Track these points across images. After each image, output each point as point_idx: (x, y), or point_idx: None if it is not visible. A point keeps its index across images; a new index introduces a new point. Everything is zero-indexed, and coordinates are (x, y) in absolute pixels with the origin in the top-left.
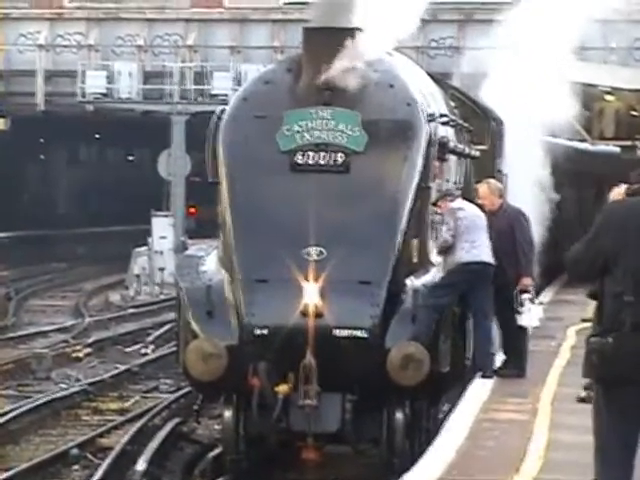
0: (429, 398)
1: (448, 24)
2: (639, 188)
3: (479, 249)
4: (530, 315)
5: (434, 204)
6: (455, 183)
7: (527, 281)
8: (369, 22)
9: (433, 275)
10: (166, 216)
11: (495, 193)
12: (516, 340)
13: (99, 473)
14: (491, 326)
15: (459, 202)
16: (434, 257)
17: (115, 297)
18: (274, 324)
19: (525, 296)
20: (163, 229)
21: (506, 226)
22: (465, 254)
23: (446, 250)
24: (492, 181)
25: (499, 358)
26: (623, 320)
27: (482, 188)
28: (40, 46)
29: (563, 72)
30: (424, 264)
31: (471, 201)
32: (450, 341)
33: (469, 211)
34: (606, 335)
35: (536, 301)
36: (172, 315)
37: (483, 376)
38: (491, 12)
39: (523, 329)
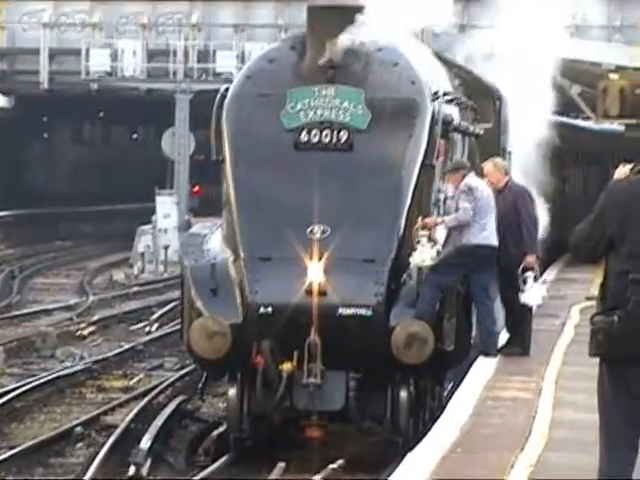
0: (433, 376)
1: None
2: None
3: (488, 231)
4: (533, 293)
5: (444, 174)
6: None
7: (531, 259)
8: (374, 1)
9: (438, 253)
10: (170, 194)
11: (501, 171)
12: (520, 319)
13: (103, 451)
14: (494, 306)
15: (473, 179)
16: (439, 234)
17: (119, 275)
18: (278, 302)
19: (529, 274)
20: (167, 207)
21: (511, 204)
22: (474, 236)
23: (457, 227)
24: (498, 159)
25: (503, 337)
26: (628, 298)
27: (487, 166)
28: (44, 25)
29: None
30: (428, 241)
31: None
32: (454, 320)
33: (485, 191)
34: (611, 313)
35: (540, 279)
36: (176, 293)
37: (487, 355)
38: None
39: (527, 308)
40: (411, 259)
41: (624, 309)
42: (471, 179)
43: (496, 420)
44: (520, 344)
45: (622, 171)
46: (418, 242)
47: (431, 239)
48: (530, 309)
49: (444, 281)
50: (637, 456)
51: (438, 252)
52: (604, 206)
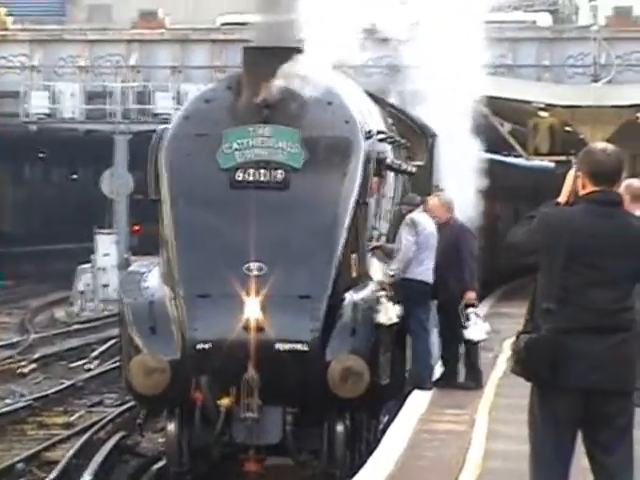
0: (369, 410)
1: (386, 43)
2: (577, 200)
3: (424, 267)
4: (477, 329)
5: (399, 204)
6: (393, 198)
7: (472, 295)
8: (308, 42)
9: (372, 289)
10: (109, 233)
11: (445, 207)
12: (468, 354)
13: None
14: (429, 339)
15: (418, 214)
16: (372, 271)
17: (60, 314)
18: (216, 338)
19: (471, 310)
20: (107, 246)
21: (453, 240)
22: (410, 271)
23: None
24: (443, 195)
25: (437, 370)
26: (540, 326)
27: (432, 201)
28: None
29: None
30: (363, 278)
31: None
32: (389, 354)
33: (427, 228)
34: (524, 337)
35: (481, 315)
36: (116, 331)
37: (422, 388)
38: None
39: (473, 343)
40: (377, 319)
41: (535, 335)
42: (415, 214)
43: (430, 453)
44: (473, 378)
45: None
46: (379, 303)
47: (390, 298)
48: (476, 344)
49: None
50: None
51: (399, 307)
52: (540, 228)
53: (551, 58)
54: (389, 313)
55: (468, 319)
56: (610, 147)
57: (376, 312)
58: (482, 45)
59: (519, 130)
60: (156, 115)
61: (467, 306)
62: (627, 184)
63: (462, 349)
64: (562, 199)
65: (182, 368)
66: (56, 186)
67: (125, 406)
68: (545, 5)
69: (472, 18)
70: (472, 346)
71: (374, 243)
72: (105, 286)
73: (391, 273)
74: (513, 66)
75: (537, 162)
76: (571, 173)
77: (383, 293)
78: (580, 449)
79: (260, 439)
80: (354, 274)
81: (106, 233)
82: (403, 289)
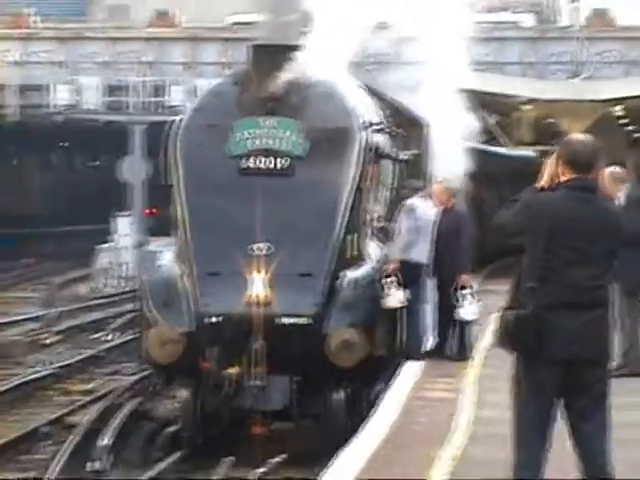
0: (365, 379)
1: (381, 41)
2: (557, 186)
3: (419, 249)
4: (469, 309)
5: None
6: (389, 184)
7: (466, 278)
8: (310, 38)
9: (369, 267)
10: (127, 216)
11: (449, 192)
12: (461, 330)
13: (67, 448)
14: (422, 313)
15: (417, 199)
16: (370, 250)
17: (81, 289)
18: (226, 312)
19: (465, 292)
20: (125, 227)
21: (454, 225)
22: (405, 251)
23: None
24: (447, 181)
25: (431, 342)
26: (526, 302)
27: (437, 186)
28: (13, 63)
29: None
30: (360, 257)
31: None
32: (384, 327)
33: (425, 213)
34: (510, 312)
35: (476, 296)
36: (133, 305)
37: (414, 358)
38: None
39: (466, 321)
40: (384, 303)
41: (521, 310)
42: (414, 199)
43: (423, 418)
44: (461, 352)
45: (551, 162)
46: (388, 288)
47: (399, 283)
48: (468, 322)
49: (375, 293)
50: (547, 452)
51: (405, 291)
52: (523, 212)
53: (534, 56)
54: (399, 297)
55: (464, 299)
56: (587, 138)
57: (384, 296)
58: (470, 43)
59: (504, 122)
60: (170, 107)
61: (463, 287)
62: (610, 170)
63: (455, 326)
64: (544, 184)
65: (195, 339)
66: (79, 172)
67: (142, 374)
68: (528, 6)
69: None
70: (465, 324)
71: (374, 225)
72: (123, 264)
73: (395, 258)
74: (499, 63)
75: (520, 151)
76: (552, 159)
77: (392, 279)
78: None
79: (266, 405)
80: (353, 253)
81: (124, 215)
82: (407, 274)
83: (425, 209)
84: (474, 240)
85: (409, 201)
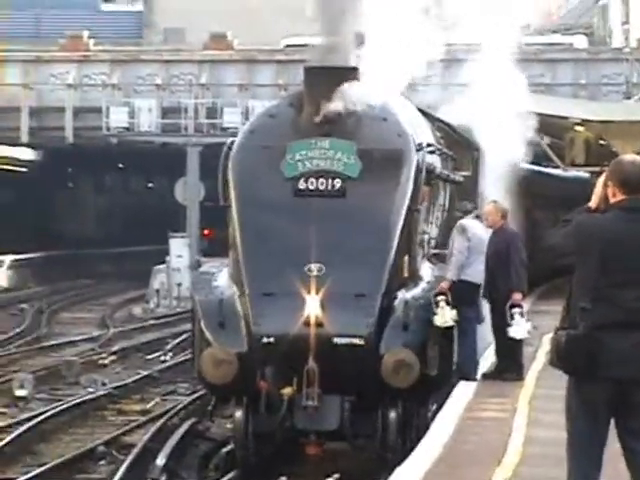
0: (419, 399)
1: (435, 63)
2: (608, 207)
3: (473, 269)
4: (519, 328)
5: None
6: (442, 205)
7: (518, 296)
8: (365, 60)
9: (422, 288)
10: (182, 237)
11: (499, 213)
12: (512, 349)
13: (123, 468)
14: (475, 334)
15: (468, 220)
16: (423, 271)
17: (137, 310)
18: (280, 333)
19: (515, 310)
20: (180, 249)
21: (503, 246)
22: (461, 272)
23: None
24: (498, 201)
25: (487, 363)
26: (578, 323)
27: (488, 207)
28: (69, 85)
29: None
30: (413, 278)
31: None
32: (438, 347)
33: (477, 233)
34: (562, 333)
35: (525, 315)
36: (188, 326)
37: (467, 379)
38: (472, 52)
39: (517, 340)
40: (434, 321)
41: (573, 331)
42: (466, 220)
43: (475, 438)
44: (515, 370)
45: (600, 181)
46: (437, 306)
47: (448, 302)
48: (520, 341)
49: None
50: (600, 473)
51: (457, 311)
52: (575, 233)
53: (587, 77)
54: (445, 316)
55: (513, 318)
56: (638, 158)
57: (433, 314)
58: (523, 65)
59: (557, 143)
60: (225, 129)
61: (513, 306)
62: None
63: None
64: (593, 204)
65: (248, 360)
66: (134, 194)
67: (196, 394)
68: (581, 28)
69: (513, 41)
70: (515, 343)
71: (427, 246)
72: (178, 285)
73: (448, 278)
74: (551, 85)
75: (573, 172)
76: (600, 180)
77: (442, 297)
78: (613, 435)
79: (320, 425)
80: (406, 274)
81: (179, 237)
82: (454, 289)
83: (477, 229)
84: (526, 261)
85: (461, 222)
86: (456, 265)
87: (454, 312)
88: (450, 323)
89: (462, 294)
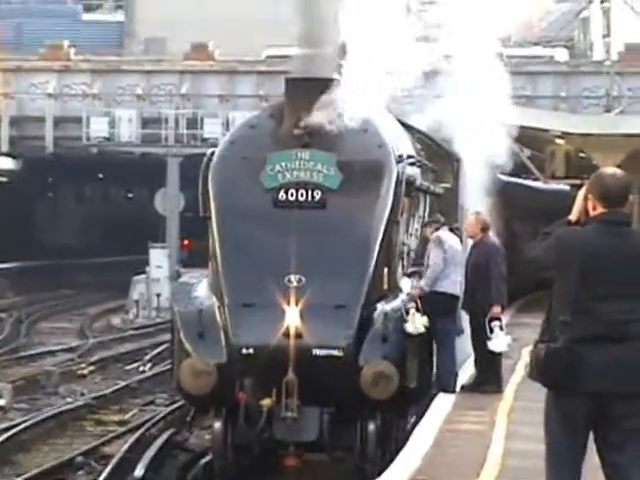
0: (398, 411)
1: (417, 74)
2: (589, 220)
3: (450, 281)
4: (499, 341)
5: (425, 225)
6: (422, 217)
7: (497, 310)
8: (346, 72)
9: (401, 300)
10: (162, 247)
11: (479, 225)
12: (491, 362)
13: (101, 478)
14: (454, 346)
15: (444, 233)
16: (402, 284)
17: (116, 320)
18: (259, 344)
19: (495, 323)
20: (159, 259)
21: (483, 258)
22: (437, 284)
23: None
24: (480, 213)
25: (466, 375)
26: (558, 336)
27: (469, 218)
28: (49, 95)
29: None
30: (393, 290)
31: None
32: (417, 359)
33: (453, 245)
34: (542, 346)
35: (505, 329)
36: (167, 336)
37: (446, 391)
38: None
39: (497, 353)
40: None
41: (553, 344)
42: (442, 232)
43: (454, 450)
44: (494, 382)
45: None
46: (408, 313)
47: (418, 309)
48: (499, 354)
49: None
50: None
51: (428, 318)
52: (555, 246)
53: (567, 90)
54: (416, 323)
55: (492, 331)
56: (618, 172)
57: (404, 322)
58: (504, 78)
59: (538, 156)
60: (205, 140)
61: (493, 319)
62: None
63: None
64: (573, 217)
65: (227, 371)
66: (114, 204)
67: (175, 405)
68: (562, 41)
69: (494, 52)
70: (495, 355)
71: (406, 259)
72: (158, 295)
73: (421, 287)
74: (532, 97)
75: (553, 185)
76: (580, 193)
77: (412, 305)
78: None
79: (299, 436)
80: (385, 286)
81: (159, 247)
82: (432, 301)
83: (452, 242)
84: (505, 274)
85: (437, 234)
86: (431, 276)
87: (425, 319)
88: (421, 330)
89: (439, 306)
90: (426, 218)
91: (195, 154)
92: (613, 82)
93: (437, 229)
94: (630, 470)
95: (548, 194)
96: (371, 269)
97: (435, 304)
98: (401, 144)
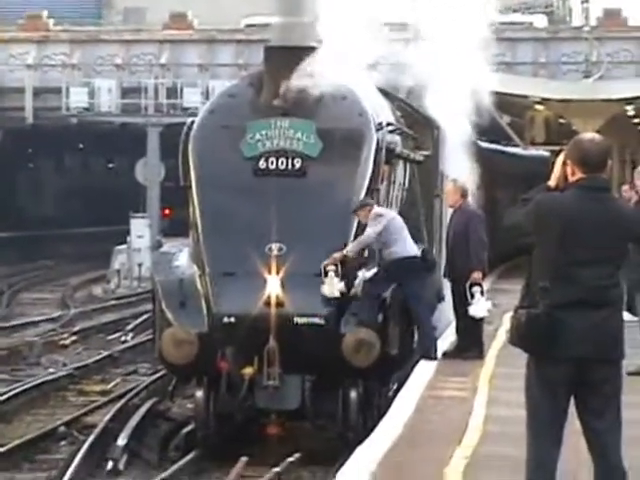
0: (380, 378)
1: (395, 43)
2: (568, 185)
3: (402, 244)
4: (479, 307)
5: (354, 212)
6: (402, 184)
7: (477, 275)
8: (325, 40)
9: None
10: (143, 217)
11: (457, 192)
12: (472, 328)
13: (84, 448)
14: (429, 311)
15: (380, 209)
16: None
17: (97, 290)
18: (240, 313)
19: (476, 289)
20: (140, 229)
21: (462, 224)
22: (394, 252)
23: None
24: (458, 180)
25: (448, 342)
26: (538, 301)
27: (449, 185)
28: (28, 66)
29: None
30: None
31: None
32: (398, 327)
33: (389, 215)
34: (522, 312)
35: (485, 294)
36: (149, 306)
37: (427, 358)
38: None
39: (478, 318)
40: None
41: (533, 310)
42: (378, 209)
43: (436, 417)
44: (476, 348)
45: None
46: (326, 275)
47: (337, 273)
48: (480, 320)
49: (380, 291)
50: (559, 451)
51: (346, 283)
52: (535, 212)
53: (546, 56)
54: (333, 287)
55: (472, 297)
56: (597, 137)
57: (321, 284)
58: (483, 44)
59: (517, 122)
60: (185, 109)
61: (473, 285)
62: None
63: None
64: (552, 183)
65: (209, 340)
66: (94, 174)
67: (157, 375)
68: (541, 7)
69: (474, 19)
70: (476, 321)
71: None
72: (139, 265)
73: (346, 252)
74: (511, 64)
75: (533, 151)
76: (559, 159)
77: (332, 268)
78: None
79: (280, 405)
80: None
81: (140, 217)
82: (391, 271)
83: (388, 213)
84: (486, 239)
85: (374, 211)
86: (359, 244)
87: (342, 284)
88: (336, 294)
89: (398, 272)
90: (406, 186)
91: (175, 123)
92: (592, 48)
93: (369, 211)
94: (607, 435)
95: (527, 160)
96: (351, 237)
97: (394, 272)
98: (381, 112)
